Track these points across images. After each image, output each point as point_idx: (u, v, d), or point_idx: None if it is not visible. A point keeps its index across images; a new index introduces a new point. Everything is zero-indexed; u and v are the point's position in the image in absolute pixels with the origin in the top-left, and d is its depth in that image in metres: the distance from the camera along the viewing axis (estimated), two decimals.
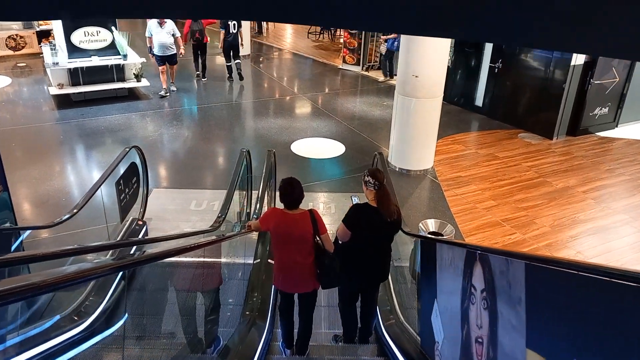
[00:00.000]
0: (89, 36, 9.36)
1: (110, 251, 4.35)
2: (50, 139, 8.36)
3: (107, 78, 9.68)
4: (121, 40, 9.56)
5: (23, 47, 12.27)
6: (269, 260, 4.67)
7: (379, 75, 12.44)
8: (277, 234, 3.57)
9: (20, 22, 12.24)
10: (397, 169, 7.63)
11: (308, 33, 16.11)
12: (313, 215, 3.55)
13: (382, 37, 11.88)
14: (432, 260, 3.06)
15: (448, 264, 2.73)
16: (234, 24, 11.13)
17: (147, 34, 10.06)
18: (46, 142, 8.23)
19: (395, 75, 12.47)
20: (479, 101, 10.32)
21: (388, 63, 11.82)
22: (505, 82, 9.79)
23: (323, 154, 8.22)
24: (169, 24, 9.90)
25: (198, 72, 11.80)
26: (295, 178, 3.59)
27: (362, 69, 12.63)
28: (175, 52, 10.21)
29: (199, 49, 11.39)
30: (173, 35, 10.02)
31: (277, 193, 3.64)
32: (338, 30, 16.02)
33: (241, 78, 11.69)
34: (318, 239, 3.58)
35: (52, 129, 8.75)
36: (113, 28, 9.48)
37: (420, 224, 4.86)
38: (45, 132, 8.57)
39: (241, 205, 5.55)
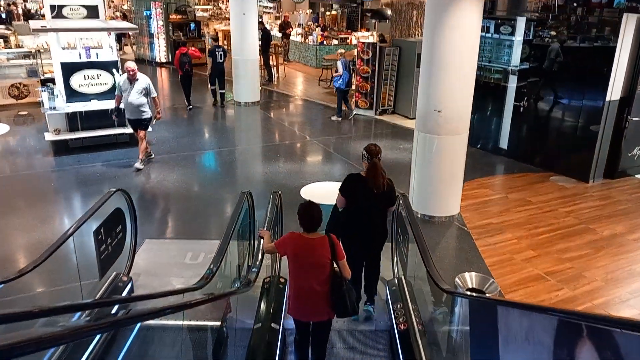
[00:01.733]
0: (89, 79, 8.92)
1: (78, 314, 3.57)
2: (41, 186, 7.73)
3: (108, 123, 9.13)
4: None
5: (26, 96, 11.94)
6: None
7: (393, 119, 11.85)
8: (295, 259, 3.56)
9: (24, 71, 11.97)
10: (419, 215, 6.80)
11: (319, 80, 15.76)
12: (332, 239, 3.57)
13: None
14: (490, 330, 2.20)
15: (521, 336, 1.88)
16: (221, 54, 12.52)
17: (116, 92, 8.34)
18: (35, 190, 7.59)
19: (353, 112, 12.25)
20: (503, 143, 9.58)
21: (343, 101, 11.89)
22: (532, 122, 9.08)
23: (335, 199, 7.44)
24: (142, 80, 7.96)
25: (190, 107, 12.62)
26: (314, 202, 3.63)
27: (376, 113, 12.06)
28: (148, 116, 8.23)
29: (188, 79, 12.58)
30: (146, 94, 8.08)
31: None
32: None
33: (222, 105, 12.99)
34: (335, 266, 3.56)
35: (45, 176, 8.14)
36: (114, 71, 9.05)
37: (457, 279, 3.99)
38: (36, 180, 7.95)
39: (241, 257, 4.73)
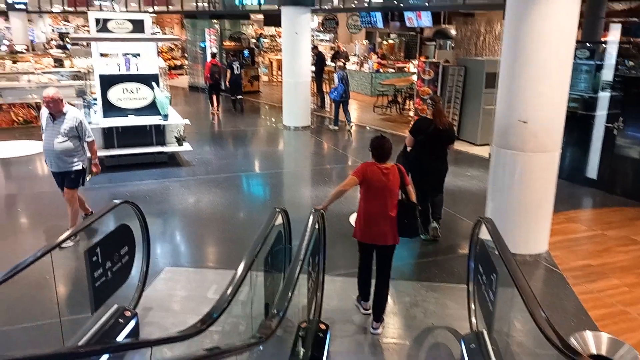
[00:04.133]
0: (128, 93, 8.36)
1: None
2: (62, 205, 7.02)
3: (145, 141, 8.52)
4: (162, 99, 8.47)
5: None
6: None
7: (458, 144, 10.58)
8: (370, 183, 3.97)
9: (74, 91, 11.74)
10: (495, 251, 5.50)
11: (374, 107, 14.81)
12: (400, 168, 4.08)
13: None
14: None
15: None
16: (237, 67, 14.16)
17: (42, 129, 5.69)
18: (59, 209, 6.88)
19: (350, 123, 12.21)
20: (592, 172, 8.12)
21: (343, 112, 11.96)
22: (629, 147, 7.62)
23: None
24: (71, 115, 5.44)
25: (213, 111, 13.81)
26: (384, 135, 4.11)
27: None
28: (79, 167, 5.61)
29: (216, 88, 13.86)
30: (77, 136, 5.51)
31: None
32: (407, 102, 14.60)
33: (242, 111, 14.29)
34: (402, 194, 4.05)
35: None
36: (154, 85, 8.45)
37: (574, 339, 2.74)
38: (59, 199, 7.27)
39: (271, 293, 3.64)
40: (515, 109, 5.09)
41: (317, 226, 3.79)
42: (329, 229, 4.48)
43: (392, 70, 17.97)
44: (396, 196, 4.01)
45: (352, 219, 6.42)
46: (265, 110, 15.52)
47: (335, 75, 12.07)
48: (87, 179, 5.88)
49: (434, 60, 11.72)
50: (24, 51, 17.08)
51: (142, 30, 8.82)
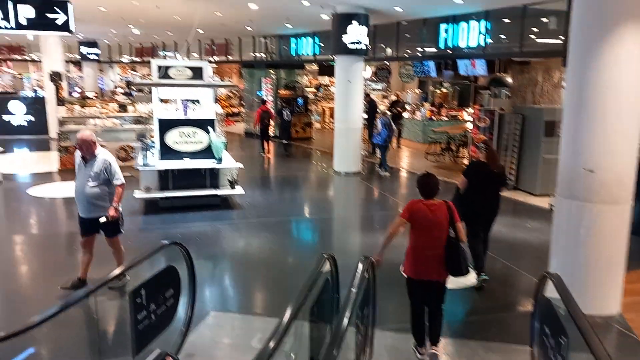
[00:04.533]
0: (185, 137, 8.60)
1: None
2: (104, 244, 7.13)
3: (199, 184, 8.67)
4: (218, 143, 8.66)
5: (132, 158, 12.13)
6: None
7: (515, 195, 10.16)
8: (417, 219, 4.04)
9: (134, 135, 12.27)
10: (561, 311, 5.06)
11: (427, 154, 14.58)
12: (449, 204, 4.10)
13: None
14: None
15: None
16: (287, 113, 15.17)
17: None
18: (106, 248, 7.01)
19: (386, 169, 12.11)
20: None
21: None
22: None
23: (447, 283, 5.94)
24: (101, 158, 5.23)
25: (263, 154, 14.53)
26: (431, 172, 4.23)
27: None
28: (109, 213, 5.29)
29: (266, 133, 14.65)
30: (106, 181, 5.29)
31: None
32: (460, 150, 14.29)
33: (290, 155, 14.76)
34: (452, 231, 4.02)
35: (126, 235, 7.61)
36: (210, 129, 8.66)
37: None
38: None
39: (317, 347, 3.44)
40: (581, 157, 4.79)
41: (366, 275, 3.60)
42: (380, 278, 4.27)
43: (445, 118, 17.78)
44: (445, 232, 4.02)
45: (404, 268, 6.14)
46: (316, 155, 15.62)
47: (378, 121, 12.25)
48: (100, 220, 5.31)
49: (489, 107, 11.47)
50: (94, 97, 18.22)
51: (200, 77, 9.16)
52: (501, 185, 5.84)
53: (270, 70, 19.15)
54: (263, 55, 20.01)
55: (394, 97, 19.92)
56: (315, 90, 24.18)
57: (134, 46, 27.54)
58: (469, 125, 13.50)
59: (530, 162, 10.23)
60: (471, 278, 5.99)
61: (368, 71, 21.50)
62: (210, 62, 19.79)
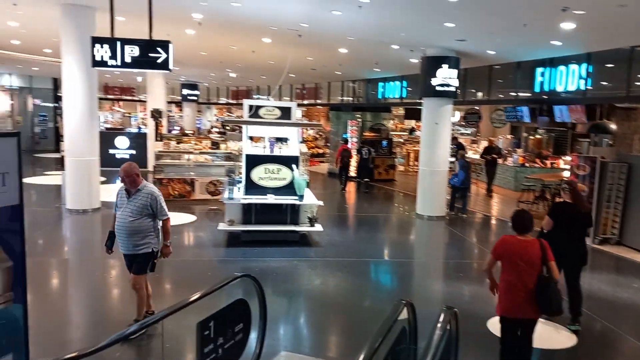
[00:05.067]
0: (269, 173, 8.78)
1: None
2: (197, 276, 7.25)
3: (280, 219, 8.76)
4: (300, 180, 8.74)
5: (220, 193, 12.59)
6: None
7: (618, 250, 9.19)
8: (509, 255, 4.06)
9: (224, 170, 12.77)
10: None
11: (519, 202, 13.76)
12: (542, 242, 4.07)
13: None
14: None
15: None
16: (366, 152, 15.63)
17: (113, 210, 5.33)
18: (189, 278, 7.18)
19: (464, 212, 11.87)
20: None
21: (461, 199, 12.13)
22: None
23: (539, 342, 5.36)
24: (146, 192, 4.99)
25: (343, 188, 15.09)
26: (525, 209, 4.67)
27: (594, 242, 9.54)
28: (148, 250, 5.03)
29: (345, 171, 15.49)
30: (151, 215, 5.01)
31: None
32: (556, 199, 13.31)
33: (368, 192, 15.24)
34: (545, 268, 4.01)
35: (206, 266, 7.82)
36: (294, 166, 8.78)
37: None
38: (196, 268, 7.61)
39: None
40: None
41: (448, 327, 3.31)
42: (463, 332, 3.91)
43: (539, 165, 16.80)
44: (537, 270, 3.99)
45: (491, 323, 5.66)
46: (399, 198, 15.34)
47: (457, 163, 12.21)
48: (157, 258, 5.15)
49: (590, 155, 10.65)
50: (191, 134, 19.43)
51: (288, 117, 9.40)
52: (587, 225, 5.85)
53: (357, 113, 19.39)
54: (350, 98, 20.36)
55: (485, 143, 19.25)
56: (405, 134, 24.10)
57: (230, 89, 29.26)
58: (566, 174, 12.61)
59: (637, 215, 9.26)
60: (565, 339, 5.41)
61: (457, 115, 21.07)
62: (299, 105, 20.48)
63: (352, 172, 16.88)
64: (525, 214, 4.22)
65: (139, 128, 23.26)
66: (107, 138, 17.96)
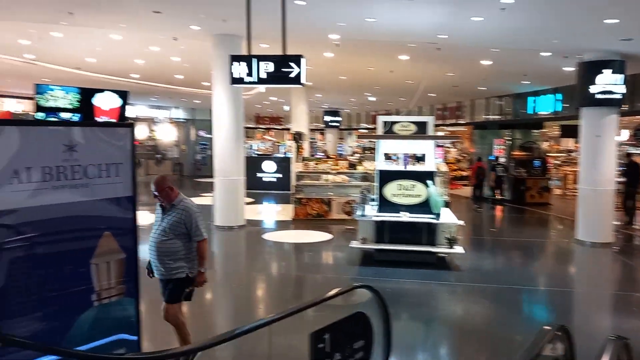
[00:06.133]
0: (403, 189, 8.38)
1: None
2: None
3: (415, 239, 8.25)
4: (437, 197, 8.18)
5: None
6: None
7: None
8: None
9: (359, 191, 12.63)
10: None
11: None
12: None
13: None
14: None
15: None
16: (501, 169, 16.18)
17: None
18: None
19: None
20: None
21: None
22: None
23: None
24: (181, 207, 4.36)
25: (478, 207, 15.15)
26: None
27: None
28: (182, 275, 4.34)
29: (480, 188, 16.36)
30: (185, 235, 4.35)
31: None
32: None
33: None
34: None
35: (336, 283, 7.61)
36: (429, 182, 8.26)
37: None
38: (324, 285, 7.42)
39: None
40: None
41: None
42: None
43: None
44: None
45: None
46: (553, 222, 13.74)
47: None
48: (192, 287, 4.46)
49: None
50: (332, 157, 19.86)
51: (424, 132, 8.95)
52: None
53: (504, 131, 18.05)
54: (497, 116, 19.06)
55: None
56: (562, 155, 21.88)
57: (370, 113, 29.52)
58: None
59: None
60: None
61: (624, 134, 18.44)
62: (439, 125, 19.73)
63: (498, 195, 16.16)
64: None
65: (285, 153, 24.51)
66: (255, 162, 19.18)
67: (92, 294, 2.80)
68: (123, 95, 10.46)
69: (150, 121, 27.02)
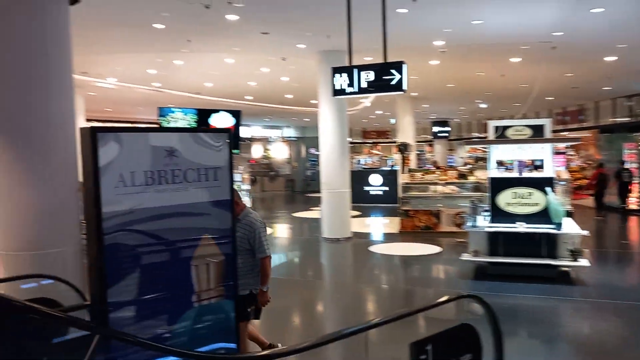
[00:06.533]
0: (518, 198, 7.85)
1: None
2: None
3: (533, 251, 7.66)
4: (557, 206, 7.54)
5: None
6: None
7: None
8: None
9: (470, 202, 12.09)
10: None
11: None
12: None
13: None
14: None
15: None
16: (627, 175, 14.89)
17: None
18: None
19: None
20: None
21: None
22: None
23: None
24: (246, 221, 4.20)
25: (601, 216, 13.96)
26: None
27: None
28: (246, 291, 4.15)
29: (600, 196, 14.81)
30: (249, 250, 4.17)
31: None
32: None
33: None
34: None
35: (445, 295, 7.29)
36: (548, 190, 7.65)
37: None
38: (429, 298, 7.16)
39: None
40: None
41: None
42: None
43: None
44: None
45: None
46: None
47: None
48: (258, 306, 4.31)
49: None
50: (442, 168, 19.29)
51: (541, 135, 8.34)
52: None
53: (636, 135, 16.22)
54: (625, 118, 17.23)
55: None
56: None
57: (482, 122, 28.25)
58: None
59: None
60: None
61: None
62: (557, 131, 18.29)
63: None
64: None
65: (392, 166, 24.31)
66: (362, 176, 19.26)
67: (192, 295, 2.91)
68: (236, 114, 11.13)
69: (265, 141, 28.45)
